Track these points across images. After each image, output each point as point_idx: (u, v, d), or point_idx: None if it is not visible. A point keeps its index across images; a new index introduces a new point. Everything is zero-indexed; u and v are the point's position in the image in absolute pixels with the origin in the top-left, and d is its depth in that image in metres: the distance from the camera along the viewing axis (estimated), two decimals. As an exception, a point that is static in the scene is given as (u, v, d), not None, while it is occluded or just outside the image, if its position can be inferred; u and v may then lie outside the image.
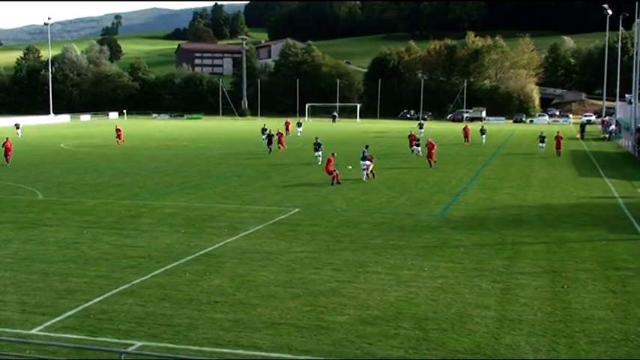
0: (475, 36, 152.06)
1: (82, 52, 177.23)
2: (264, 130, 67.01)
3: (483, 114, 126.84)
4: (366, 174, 39.64)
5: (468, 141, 67.99)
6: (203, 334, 14.69)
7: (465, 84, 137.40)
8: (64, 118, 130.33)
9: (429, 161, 47.44)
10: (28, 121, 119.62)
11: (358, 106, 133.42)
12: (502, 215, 29.30)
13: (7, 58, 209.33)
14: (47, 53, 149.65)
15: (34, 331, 14.87)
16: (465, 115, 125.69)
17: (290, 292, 17.76)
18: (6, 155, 48.74)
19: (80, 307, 16.48)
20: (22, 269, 20.12)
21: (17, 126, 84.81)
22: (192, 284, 18.45)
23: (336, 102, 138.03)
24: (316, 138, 51.95)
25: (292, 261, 21.01)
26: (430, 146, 48.28)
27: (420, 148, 54.96)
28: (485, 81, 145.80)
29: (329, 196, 34.08)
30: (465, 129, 70.51)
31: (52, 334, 14.62)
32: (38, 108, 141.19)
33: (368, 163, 39.78)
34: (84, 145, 67.83)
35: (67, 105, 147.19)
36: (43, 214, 29.34)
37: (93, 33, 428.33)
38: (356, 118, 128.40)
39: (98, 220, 28.08)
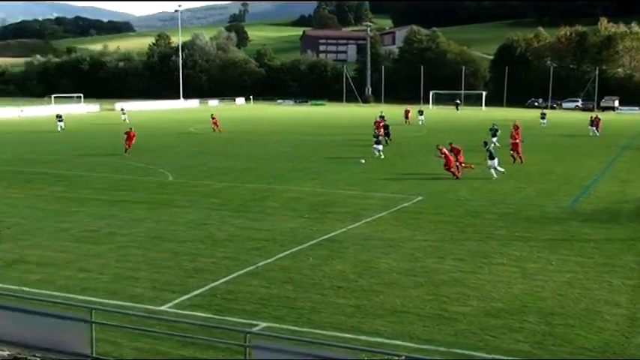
0: (608, 22, 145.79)
1: (210, 38, 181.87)
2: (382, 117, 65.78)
3: (616, 103, 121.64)
4: (495, 171, 35.94)
5: (598, 130, 64.85)
6: (326, 318, 14.85)
7: (597, 72, 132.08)
8: (193, 103, 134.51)
9: (514, 156, 42.21)
10: (159, 105, 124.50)
11: (484, 93, 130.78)
12: (635, 209, 28.05)
13: (140, 45, 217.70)
14: (177, 40, 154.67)
15: (163, 308, 15.47)
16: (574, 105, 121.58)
17: (412, 280, 17.68)
18: (127, 143, 46.48)
19: (207, 287, 17.02)
20: (153, 248, 20.97)
21: (123, 111, 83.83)
22: (316, 269, 18.68)
23: (460, 89, 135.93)
24: (493, 124, 52.88)
25: (415, 249, 20.89)
26: (514, 143, 42.96)
27: None
28: (619, 69, 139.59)
29: (453, 185, 33.63)
30: (594, 119, 67.20)
31: (180, 312, 15.17)
32: (169, 93, 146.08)
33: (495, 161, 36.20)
34: (211, 130, 69.75)
35: (196, 90, 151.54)
36: (173, 196, 30.44)
37: (221, 20, 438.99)
38: (481, 106, 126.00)
39: (225, 202, 28.88)
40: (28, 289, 16.59)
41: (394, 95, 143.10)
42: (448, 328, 14.36)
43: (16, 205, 28.05)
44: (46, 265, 19.00)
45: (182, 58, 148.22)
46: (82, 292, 16.44)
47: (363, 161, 41.52)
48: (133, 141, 46.60)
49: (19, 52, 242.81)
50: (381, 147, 45.11)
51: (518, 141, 43.29)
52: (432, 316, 15.01)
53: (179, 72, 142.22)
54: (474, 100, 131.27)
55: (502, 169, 36.34)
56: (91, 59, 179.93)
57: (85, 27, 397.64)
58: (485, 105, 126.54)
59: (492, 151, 36.91)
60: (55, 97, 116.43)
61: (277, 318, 14.85)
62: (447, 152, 36.68)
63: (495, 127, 51.32)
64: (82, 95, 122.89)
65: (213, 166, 40.61)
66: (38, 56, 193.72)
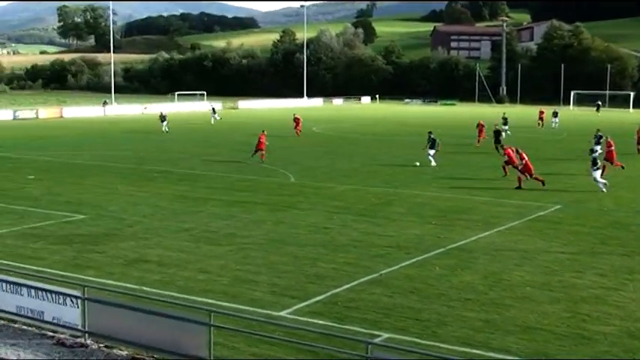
0: None
1: (336, 34, 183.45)
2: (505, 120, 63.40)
3: None
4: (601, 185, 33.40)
5: None
6: (452, 332, 14.66)
7: None
8: (317, 102, 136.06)
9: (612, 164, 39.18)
10: (281, 103, 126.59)
11: (631, 94, 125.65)
12: None
13: (263, 41, 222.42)
14: (302, 36, 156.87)
15: (282, 313, 15.70)
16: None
17: (548, 295, 17.19)
18: (259, 149, 43.09)
19: (328, 293, 17.14)
20: (273, 251, 21.33)
21: (214, 110, 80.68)
22: (442, 279, 18.48)
23: (605, 90, 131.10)
24: (597, 130, 49.69)
25: (551, 262, 20.31)
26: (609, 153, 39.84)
27: None
28: None
29: (595, 194, 32.45)
30: None
31: (300, 318, 15.34)
32: (292, 91, 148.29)
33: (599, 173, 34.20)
34: (335, 130, 70.32)
35: (320, 88, 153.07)
36: (294, 197, 30.91)
37: (347, 15, 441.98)
38: (628, 107, 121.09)
39: (348, 205, 29.04)
40: (147, 288, 17.23)
41: (531, 95, 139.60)
42: (587, 348, 13.87)
43: (138, 203, 29.22)
44: (166, 265, 19.68)
45: (306, 55, 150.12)
46: (201, 294, 16.91)
47: (418, 164, 41.12)
48: (263, 146, 42.81)
49: (143, 48, 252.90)
50: (432, 152, 41.91)
51: (612, 149, 40.06)
52: (570, 335, 14.54)
53: (303, 69, 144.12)
54: (620, 102, 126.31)
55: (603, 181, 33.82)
56: (214, 56, 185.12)
57: (210, 23, 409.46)
58: (633, 107, 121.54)
59: (597, 158, 35.00)
60: (178, 94, 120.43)
61: (400, 329, 14.78)
62: (511, 153, 36.30)
63: (600, 133, 48.53)
64: (204, 93, 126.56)
65: (336, 168, 40.93)
66: (163, 53, 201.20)
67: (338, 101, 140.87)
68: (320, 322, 15.12)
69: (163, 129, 64.82)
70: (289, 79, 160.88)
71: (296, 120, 62.34)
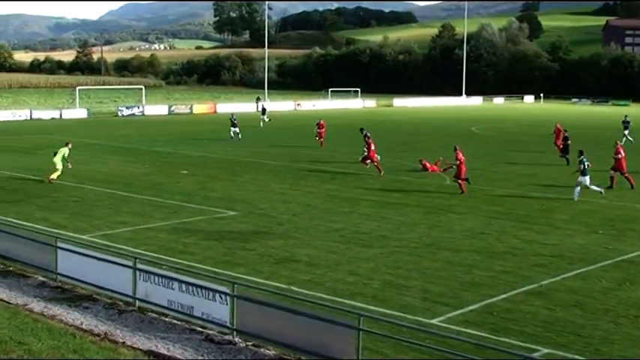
0: None
1: (499, 29, 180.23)
2: (626, 122, 59.33)
3: None
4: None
5: None
6: (618, 351, 14.14)
7: None
8: (476, 100, 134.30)
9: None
10: (438, 101, 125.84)
11: None
12: None
13: (421, 36, 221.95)
14: (462, 30, 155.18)
15: (434, 321, 15.63)
16: None
17: None
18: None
19: (483, 303, 16.91)
20: (426, 255, 21.26)
21: (264, 111, 74.78)
22: (609, 293, 17.83)
23: None
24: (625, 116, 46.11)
25: None
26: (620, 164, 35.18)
27: None
28: None
29: None
30: None
31: (452, 327, 15.22)
32: (449, 88, 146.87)
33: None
34: (495, 130, 69.19)
35: (480, 86, 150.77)
36: (449, 200, 30.67)
37: (512, 9, 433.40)
38: None
39: (507, 211, 28.52)
40: (296, 288, 17.59)
41: None
42: None
43: (288, 201, 29.88)
44: (316, 265, 20.02)
45: (466, 51, 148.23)
46: (350, 297, 17.09)
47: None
48: (372, 153, 38.70)
49: (298, 43, 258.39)
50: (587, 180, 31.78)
51: (621, 156, 35.26)
52: None
53: (462, 66, 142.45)
54: None
55: (599, 189, 31.70)
56: (369, 51, 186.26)
57: (366, 18, 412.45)
58: None
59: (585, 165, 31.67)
60: (331, 90, 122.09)
61: (561, 345, 14.38)
62: None
63: (627, 118, 43.72)
64: (359, 89, 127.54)
65: (494, 170, 40.28)
66: (317, 48, 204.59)
67: (499, 100, 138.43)
68: (474, 332, 14.94)
69: (261, 123, 68.95)
70: (447, 76, 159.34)
71: (319, 126, 53.14)
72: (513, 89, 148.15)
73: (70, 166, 34.10)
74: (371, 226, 25.17)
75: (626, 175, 34.95)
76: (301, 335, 13.50)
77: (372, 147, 38.34)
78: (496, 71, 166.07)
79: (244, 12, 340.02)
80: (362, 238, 23.36)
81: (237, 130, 55.90)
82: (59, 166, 33.81)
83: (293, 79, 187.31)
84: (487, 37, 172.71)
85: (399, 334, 13.70)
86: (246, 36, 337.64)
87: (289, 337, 13.68)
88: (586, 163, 31.43)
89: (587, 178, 31.30)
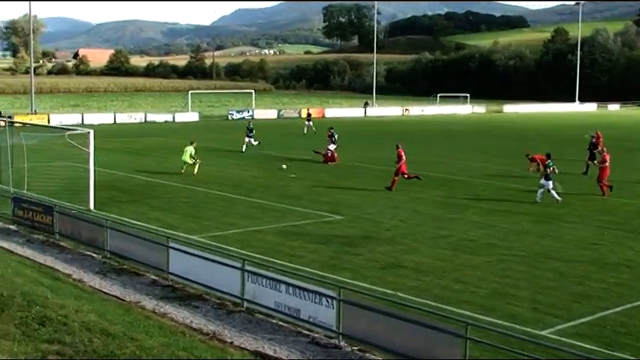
0: None
1: (614, 33, 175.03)
2: None
3: None
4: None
5: None
6: None
7: None
8: (590, 107, 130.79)
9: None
10: (550, 108, 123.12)
11: None
12: None
13: (532, 41, 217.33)
14: (576, 35, 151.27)
15: (544, 333, 15.26)
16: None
17: None
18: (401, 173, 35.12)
19: (596, 315, 16.44)
20: (536, 265, 20.82)
21: (309, 117, 70.16)
22: None
23: None
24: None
25: None
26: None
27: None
28: None
29: None
30: None
31: (563, 339, 14.84)
32: (561, 94, 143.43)
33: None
34: (609, 137, 67.10)
35: (594, 92, 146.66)
36: (561, 209, 29.92)
37: (628, 12, 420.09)
38: None
39: (622, 221, 27.67)
40: (402, 294, 17.49)
41: None
42: None
43: (395, 206, 29.79)
44: (423, 272, 19.86)
45: (580, 56, 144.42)
46: (457, 305, 16.88)
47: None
48: (403, 165, 34.80)
49: (406, 48, 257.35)
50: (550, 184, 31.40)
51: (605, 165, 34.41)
52: None
53: (576, 72, 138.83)
54: None
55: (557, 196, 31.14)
56: (479, 56, 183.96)
57: (476, 22, 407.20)
58: None
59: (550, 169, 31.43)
60: (440, 96, 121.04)
61: (679, 362, 13.84)
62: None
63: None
64: (468, 95, 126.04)
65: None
66: (426, 53, 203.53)
67: (614, 107, 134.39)
68: (585, 345, 14.52)
69: (306, 130, 66.09)
70: (559, 82, 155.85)
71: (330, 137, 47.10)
72: (629, 96, 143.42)
73: (186, 170, 35.74)
74: (479, 234, 24.83)
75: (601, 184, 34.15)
76: (407, 342, 13.43)
77: (403, 158, 34.58)
78: (611, 77, 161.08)
79: (353, 17, 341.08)
80: (469, 246, 23.07)
81: (252, 140, 49.84)
82: (190, 161, 37.60)
83: (401, 84, 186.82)
84: (602, 42, 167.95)
85: (507, 344, 13.43)
86: (355, 41, 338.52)
87: (395, 343, 13.63)
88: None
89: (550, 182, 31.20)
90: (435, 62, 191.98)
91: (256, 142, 50.09)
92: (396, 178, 34.28)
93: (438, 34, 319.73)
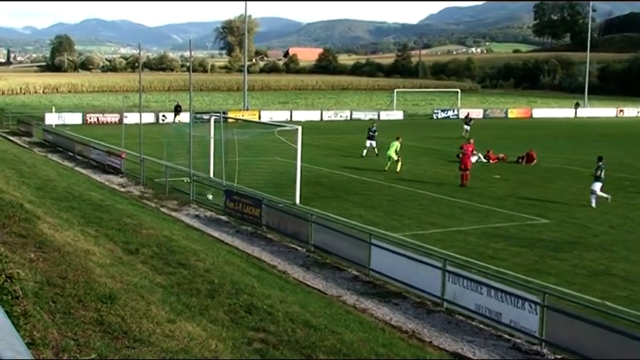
0: None
1: None
2: None
3: None
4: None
5: None
6: None
7: None
8: None
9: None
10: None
11: None
12: None
13: None
14: None
15: None
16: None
17: None
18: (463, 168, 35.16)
19: None
20: None
21: (467, 119, 63.15)
22: None
23: None
24: None
25: None
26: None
27: None
28: None
29: None
30: None
31: None
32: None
33: None
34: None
35: None
36: None
37: None
38: None
39: None
40: (611, 304, 16.71)
41: None
42: None
43: (605, 212, 28.56)
44: (634, 281, 18.91)
45: None
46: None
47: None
48: (468, 160, 35.31)
49: (622, 47, 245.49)
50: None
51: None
52: None
53: None
54: None
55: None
56: None
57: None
58: None
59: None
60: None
61: None
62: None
63: None
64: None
65: None
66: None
67: None
68: None
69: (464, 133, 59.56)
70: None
71: (528, 154, 43.65)
72: None
73: (390, 168, 36.26)
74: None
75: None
76: (615, 354, 12.84)
77: (468, 154, 35.59)
78: None
79: (566, 14, 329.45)
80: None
81: (373, 143, 45.38)
82: (395, 156, 37.98)
83: (616, 84, 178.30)
84: None
85: None
86: (567, 39, 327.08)
87: (602, 354, 13.07)
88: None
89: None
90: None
91: (375, 148, 44.92)
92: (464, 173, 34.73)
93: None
